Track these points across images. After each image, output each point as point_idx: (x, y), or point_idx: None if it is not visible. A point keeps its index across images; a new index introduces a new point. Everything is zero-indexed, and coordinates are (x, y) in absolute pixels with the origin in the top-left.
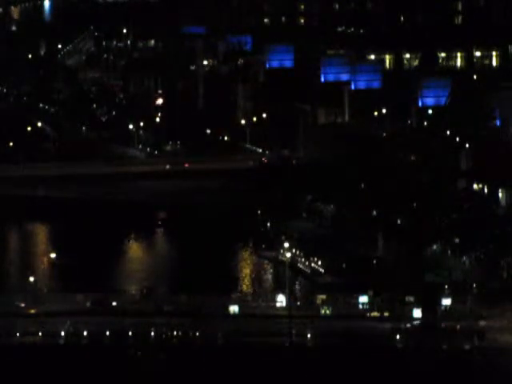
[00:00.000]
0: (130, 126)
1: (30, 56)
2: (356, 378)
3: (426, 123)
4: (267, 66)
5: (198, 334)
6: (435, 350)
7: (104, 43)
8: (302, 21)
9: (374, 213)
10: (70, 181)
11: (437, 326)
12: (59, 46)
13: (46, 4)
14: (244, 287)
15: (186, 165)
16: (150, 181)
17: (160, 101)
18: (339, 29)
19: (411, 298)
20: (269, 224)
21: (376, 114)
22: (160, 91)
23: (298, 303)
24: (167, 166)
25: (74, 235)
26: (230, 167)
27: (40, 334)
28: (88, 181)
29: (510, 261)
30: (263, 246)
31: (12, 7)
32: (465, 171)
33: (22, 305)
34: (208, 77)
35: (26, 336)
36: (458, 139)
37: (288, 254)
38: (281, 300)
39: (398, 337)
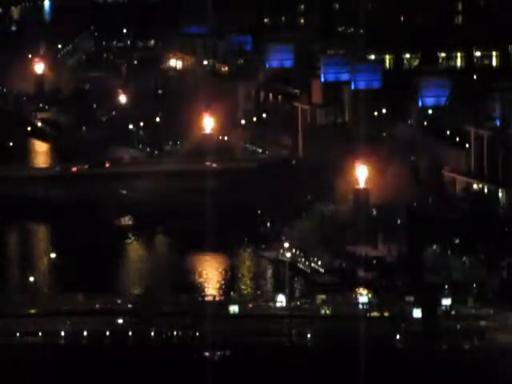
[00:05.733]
0: (130, 126)
1: (29, 56)
2: (356, 378)
3: (425, 123)
4: (267, 65)
5: (197, 333)
6: (435, 350)
7: (104, 43)
8: (302, 21)
9: (375, 213)
10: (69, 181)
11: (437, 326)
12: (59, 46)
13: (46, 4)
14: (244, 287)
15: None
16: (149, 181)
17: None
18: (339, 29)
19: (411, 298)
20: (269, 224)
21: (376, 113)
22: (160, 91)
23: (298, 303)
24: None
25: (74, 235)
26: (229, 167)
27: (40, 334)
28: (88, 181)
29: (510, 261)
30: (263, 246)
31: (12, 7)
32: (465, 171)
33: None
34: (208, 77)
35: (26, 336)
36: (458, 139)
37: (288, 254)
38: (281, 300)
39: (398, 337)
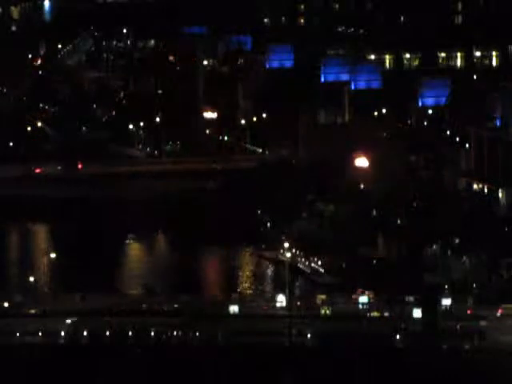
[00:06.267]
0: (130, 126)
1: (29, 56)
2: (356, 378)
3: (425, 123)
4: (267, 65)
5: (197, 334)
6: (435, 350)
7: (104, 43)
8: (302, 21)
9: (374, 213)
10: (70, 181)
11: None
12: (59, 46)
13: (46, 4)
14: (244, 287)
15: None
16: (149, 181)
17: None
18: (339, 29)
19: (411, 298)
20: (269, 224)
21: (376, 113)
22: (160, 91)
23: (298, 303)
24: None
25: (74, 235)
26: (230, 167)
27: (40, 333)
28: (88, 181)
29: (510, 261)
30: (263, 246)
31: (12, 7)
32: (465, 171)
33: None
34: (208, 77)
35: (26, 336)
36: (458, 139)
37: (288, 254)
38: (281, 300)
39: (397, 337)
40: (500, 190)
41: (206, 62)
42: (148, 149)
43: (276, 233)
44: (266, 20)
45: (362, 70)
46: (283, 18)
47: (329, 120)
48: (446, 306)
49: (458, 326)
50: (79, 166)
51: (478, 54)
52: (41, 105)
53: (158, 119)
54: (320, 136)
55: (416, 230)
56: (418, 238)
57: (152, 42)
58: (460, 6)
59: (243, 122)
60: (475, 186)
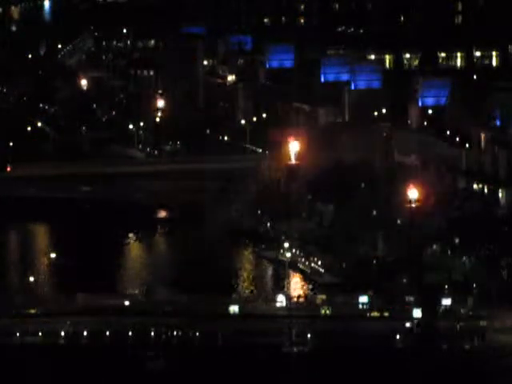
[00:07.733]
0: (130, 126)
1: (29, 56)
2: (356, 378)
3: (425, 123)
4: (267, 66)
5: (197, 333)
6: (435, 350)
7: (104, 43)
8: (302, 21)
9: (374, 213)
10: (70, 181)
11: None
12: (59, 46)
13: (46, 4)
14: (244, 287)
15: None
16: (150, 181)
17: (161, 103)
18: (339, 29)
19: (411, 298)
20: (269, 224)
21: (376, 114)
22: (160, 91)
23: (298, 303)
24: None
25: (74, 235)
26: (230, 167)
27: (40, 333)
28: (88, 181)
29: (510, 261)
30: (263, 246)
31: (12, 7)
32: (465, 171)
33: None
34: (208, 77)
35: (26, 336)
36: (458, 139)
37: (288, 254)
38: (281, 300)
39: (397, 337)
40: (500, 190)
41: (205, 62)
42: (148, 149)
43: (276, 233)
44: (266, 20)
45: (362, 69)
46: (283, 18)
47: (329, 120)
48: (445, 305)
49: (458, 326)
50: (8, 169)
51: (478, 53)
52: (41, 105)
53: (157, 119)
54: (320, 136)
55: (416, 230)
56: (418, 238)
57: (152, 41)
58: (460, 5)
59: (243, 122)
60: (475, 186)
